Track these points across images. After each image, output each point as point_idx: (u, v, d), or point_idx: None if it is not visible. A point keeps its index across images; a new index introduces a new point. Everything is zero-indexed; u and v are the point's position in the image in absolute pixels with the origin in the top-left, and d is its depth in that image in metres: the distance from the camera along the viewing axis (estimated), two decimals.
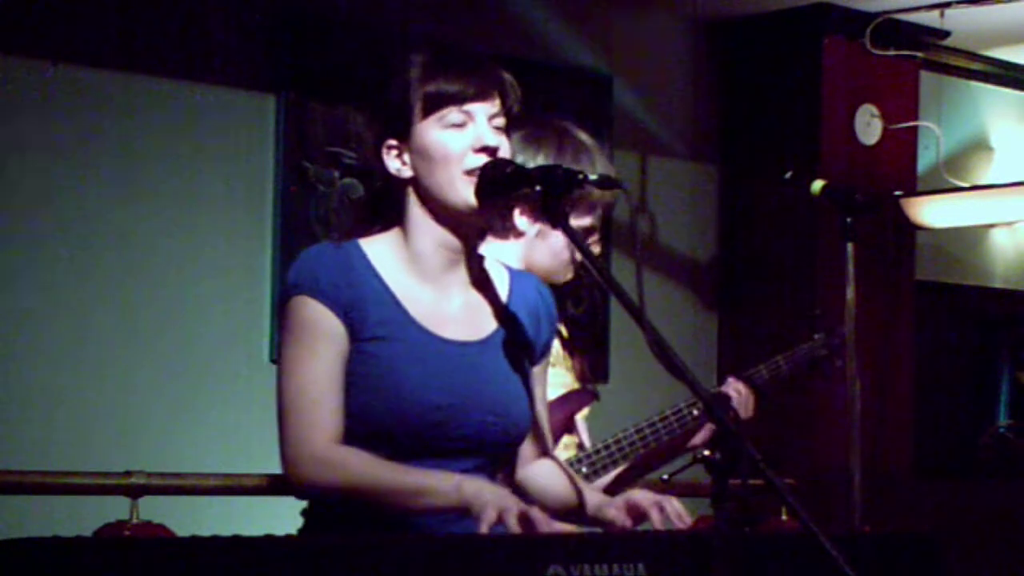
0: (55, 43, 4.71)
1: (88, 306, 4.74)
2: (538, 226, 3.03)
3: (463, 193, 2.41)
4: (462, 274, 2.50)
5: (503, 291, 2.57)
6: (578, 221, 3.03)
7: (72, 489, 3.54)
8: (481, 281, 2.54)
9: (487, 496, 2.27)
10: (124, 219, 4.82)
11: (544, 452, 2.63)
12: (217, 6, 5.02)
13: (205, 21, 5.00)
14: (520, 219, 3.03)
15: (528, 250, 3.05)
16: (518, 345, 2.53)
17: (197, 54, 4.98)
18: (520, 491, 2.57)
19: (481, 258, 2.57)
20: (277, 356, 2.48)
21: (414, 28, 5.31)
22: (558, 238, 3.01)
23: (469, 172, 2.40)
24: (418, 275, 2.46)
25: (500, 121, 2.45)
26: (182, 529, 2.45)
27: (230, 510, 3.64)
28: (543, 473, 2.61)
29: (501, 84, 2.47)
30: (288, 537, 2.22)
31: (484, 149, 2.41)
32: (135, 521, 3.30)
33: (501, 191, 2.41)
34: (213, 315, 4.98)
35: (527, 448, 2.58)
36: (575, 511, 2.55)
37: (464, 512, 2.30)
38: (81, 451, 4.51)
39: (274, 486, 3.20)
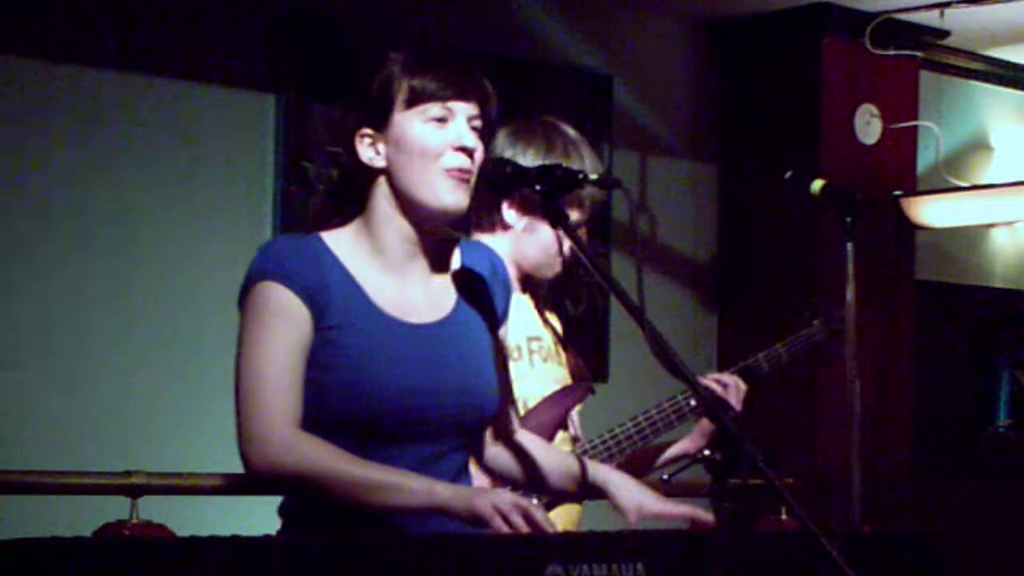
0: (55, 43, 4.70)
1: (88, 306, 4.74)
2: (526, 220, 3.03)
3: (438, 190, 2.41)
4: (423, 263, 2.50)
5: (455, 264, 2.56)
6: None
7: (72, 489, 3.52)
8: (441, 267, 2.54)
9: (485, 502, 2.25)
10: (124, 219, 4.81)
11: (511, 425, 2.63)
12: (217, 6, 5.02)
13: (205, 21, 5.00)
14: (508, 212, 3.03)
15: (516, 244, 3.04)
16: (477, 314, 2.53)
17: (197, 54, 4.98)
18: (508, 463, 2.59)
19: (445, 247, 2.56)
20: (237, 340, 2.47)
21: (413, 28, 5.31)
22: (547, 232, 3.01)
23: (447, 170, 2.41)
24: (380, 266, 2.47)
25: (478, 124, 2.46)
26: (182, 529, 2.45)
27: (230, 510, 3.63)
28: (533, 446, 2.63)
29: (482, 90, 2.48)
30: (288, 537, 2.22)
31: (462, 149, 2.42)
32: (135, 521, 3.29)
33: (500, 191, 2.42)
34: (213, 315, 4.97)
35: (497, 421, 2.58)
36: (573, 480, 2.59)
37: (433, 512, 2.29)
38: (81, 451, 4.51)
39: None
